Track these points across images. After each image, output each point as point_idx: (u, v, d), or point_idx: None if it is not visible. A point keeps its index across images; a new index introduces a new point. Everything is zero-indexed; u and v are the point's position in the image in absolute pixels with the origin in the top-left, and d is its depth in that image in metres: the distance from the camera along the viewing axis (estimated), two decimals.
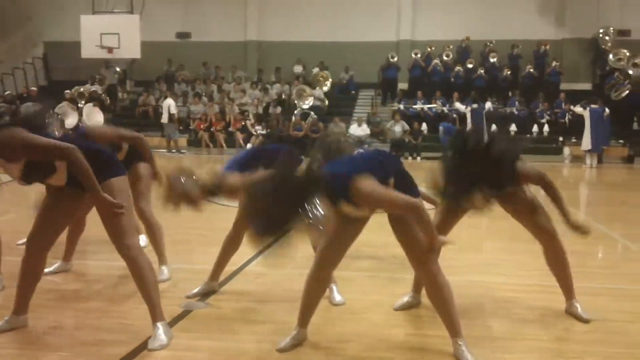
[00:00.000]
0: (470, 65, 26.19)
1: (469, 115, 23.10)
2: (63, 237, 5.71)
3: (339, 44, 27.78)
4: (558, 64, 25.84)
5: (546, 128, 24.00)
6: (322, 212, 3.86)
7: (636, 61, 23.93)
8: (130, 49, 24.20)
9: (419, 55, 26.55)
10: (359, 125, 23.70)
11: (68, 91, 23.36)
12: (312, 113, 24.26)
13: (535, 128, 24.04)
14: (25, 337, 4.65)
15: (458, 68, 26.05)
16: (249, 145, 23.15)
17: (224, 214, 9.16)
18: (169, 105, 24.00)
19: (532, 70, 25.91)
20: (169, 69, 29.14)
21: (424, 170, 4.43)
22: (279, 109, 25.63)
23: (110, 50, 24.06)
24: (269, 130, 24.14)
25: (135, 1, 24.59)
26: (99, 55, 24.25)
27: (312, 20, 28.07)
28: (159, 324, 4.52)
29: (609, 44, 25.87)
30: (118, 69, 27.68)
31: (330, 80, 26.48)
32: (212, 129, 24.67)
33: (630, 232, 9.17)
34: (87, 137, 5.45)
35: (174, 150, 23.63)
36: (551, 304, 5.42)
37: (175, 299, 5.50)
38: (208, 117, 25.16)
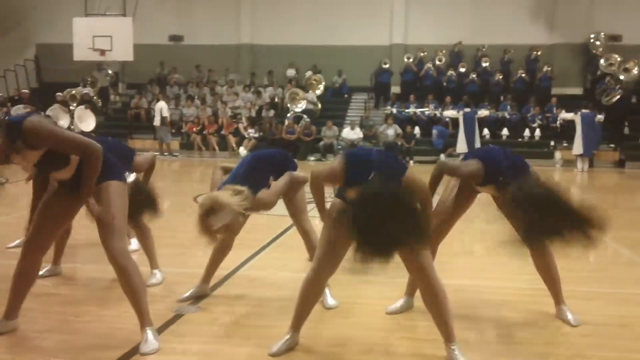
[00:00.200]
0: (462, 70, 26.26)
1: (461, 120, 23.14)
2: None
3: (332, 47, 27.77)
4: (549, 69, 25.91)
5: (538, 132, 24.03)
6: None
7: (627, 66, 24.06)
8: (123, 52, 24.15)
9: (411, 60, 26.61)
10: (352, 129, 23.69)
11: (60, 93, 23.34)
12: (304, 116, 24.28)
13: (526, 132, 24.09)
14: (15, 341, 4.63)
15: (450, 72, 26.10)
16: (241, 149, 23.17)
17: None
18: (161, 108, 23.96)
19: (523, 75, 25.95)
20: (161, 71, 29.10)
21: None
22: (271, 112, 25.62)
23: (102, 52, 24.00)
24: (261, 133, 24.15)
25: (128, 4, 24.56)
26: (91, 57, 24.21)
27: (305, 23, 28.05)
28: (147, 329, 4.51)
29: (600, 49, 25.99)
30: (110, 72, 27.65)
31: (323, 83, 26.52)
32: (204, 132, 24.64)
33: (621, 236, 9.17)
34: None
35: (166, 153, 23.60)
36: (543, 308, 5.43)
37: (167, 302, 5.49)
38: (200, 120, 25.14)
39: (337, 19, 27.85)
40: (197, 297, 5.63)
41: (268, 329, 4.89)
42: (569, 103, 23.73)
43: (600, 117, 22.08)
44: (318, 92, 26.22)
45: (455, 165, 5.20)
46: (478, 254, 7.91)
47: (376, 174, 4.04)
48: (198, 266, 5.98)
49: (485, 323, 5.20)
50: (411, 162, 22.23)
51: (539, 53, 26.60)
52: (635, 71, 24.10)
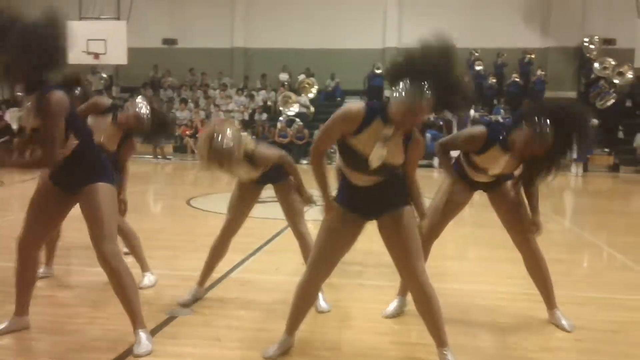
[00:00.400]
0: None
1: (454, 123, 23.16)
2: None
3: (325, 51, 27.81)
4: (543, 72, 25.97)
5: None
6: None
7: (621, 70, 24.08)
8: (117, 55, 24.16)
9: None
10: None
11: None
12: (297, 120, 24.28)
13: None
14: (8, 343, 4.61)
15: None
16: None
17: (205, 220, 9.18)
18: None
19: (517, 78, 26.00)
20: (155, 75, 29.12)
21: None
22: (264, 116, 25.65)
23: (96, 56, 23.98)
24: (254, 137, 24.07)
25: (122, 7, 24.58)
26: (85, 61, 24.13)
27: (299, 27, 28.10)
28: (140, 331, 4.50)
29: (594, 53, 26.01)
30: (104, 75, 27.59)
31: (316, 87, 26.53)
32: (197, 135, 24.60)
33: (615, 240, 9.20)
34: None
35: (159, 157, 23.58)
36: (537, 313, 5.41)
37: (160, 305, 5.47)
38: (194, 124, 25.13)
39: (331, 23, 27.90)
40: (195, 300, 5.62)
41: (261, 332, 4.88)
42: None
43: (594, 121, 22.09)
44: (311, 95, 26.26)
45: (454, 135, 5.27)
46: (471, 258, 7.91)
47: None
48: (191, 269, 5.97)
49: (478, 328, 5.19)
50: None
51: (532, 56, 26.67)
52: (629, 75, 24.11)
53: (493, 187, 5.19)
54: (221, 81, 28.35)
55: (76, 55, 23.77)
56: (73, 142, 4.39)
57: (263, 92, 27.42)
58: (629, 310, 5.78)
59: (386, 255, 4.38)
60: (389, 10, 28.33)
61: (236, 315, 5.34)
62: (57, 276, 6.42)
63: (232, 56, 29.54)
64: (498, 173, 5.00)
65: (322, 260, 4.34)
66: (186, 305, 5.49)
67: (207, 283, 5.81)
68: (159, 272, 6.31)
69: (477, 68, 26.27)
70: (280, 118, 24.56)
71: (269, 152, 5.36)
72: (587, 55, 26.32)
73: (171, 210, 12.00)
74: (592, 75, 25.42)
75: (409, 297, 4.56)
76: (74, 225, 5.81)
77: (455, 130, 22.83)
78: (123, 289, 4.49)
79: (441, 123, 24.12)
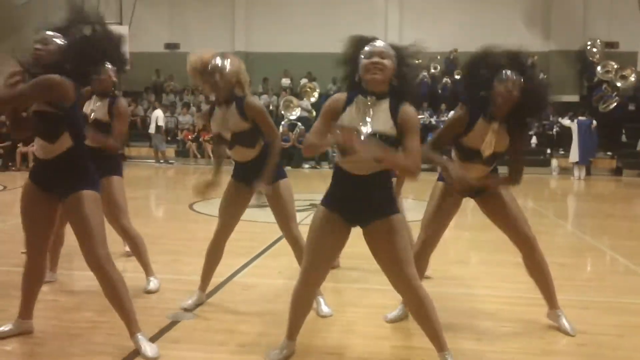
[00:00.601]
0: (458, 77, 26.25)
1: None
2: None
3: (327, 55, 27.62)
4: (545, 76, 25.91)
5: (534, 140, 24.01)
6: None
7: (624, 73, 24.05)
8: None
9: None
10: None
11: None
12: (299, 124, 24.27)
13: None
14: (12, 347, 4.62)
15: (446, 80, 26.11)
16: None
17: (208, 224, 9.17)
18: (157, 116, 23.99)
19: None
20: (157, 79, 29.13)
21: None
22: None
23: None
24: None
25: (124, 12, 24.59)
26: None
27: (300, 31, 28.12)
28: (138, 335, 4.51)
29: (597, 56, 25.97)
30: None
31: (317, 91, 26.51)
32: (200, 140, 24.64)
33: (618, 244, 9.18)
34: None
35: (162, 161, 23.62)
36: (538, 317, 5.40)
37: (162, 309, 5.47)
38: (196, 128, 25.12)
39: (332, 27, 27.81)
40: (197, 304, 5.62)
41: (263, 337, 4.88)
42: (566, 110, 23.73)
43: (594, 123, 22.09)
44: (313, 99, 26.23)
45: (437, 131, 5.41)
46: (473, 263, 7.90)
47: None
48: (193, 273, 5.97)
49: (480, 332, 5.17)
50: None
51: (534, 60, 26.64)
52: (632, 78, 24.07)
53: (480, 193, 5.16)
54: None
55: None
56: (67, 142, 4.41)
57: (265, 96, 27.40)
58: (632, 315, 5.75)
59: None
60: (390, 15, 28.36)
61: (238, 319, 5.34)
62: (61, 281, 6.43)
63: None
64: (491, 154, 4.97)
65: (313, 264, 4.29)
66: (189, 309, 5.49)
67: (210, 287, 5.81)
68: (162, 277, 6.31)
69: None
70: (282, 122, 24.55)
71: (260, 104, 5.43)
72: (589, 59, 26.29)
73: (173, 214, 12.01)
74: (595, 79, 25.37)
75: None
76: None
77: None
78: (116, 294, 4.52)
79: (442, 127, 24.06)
